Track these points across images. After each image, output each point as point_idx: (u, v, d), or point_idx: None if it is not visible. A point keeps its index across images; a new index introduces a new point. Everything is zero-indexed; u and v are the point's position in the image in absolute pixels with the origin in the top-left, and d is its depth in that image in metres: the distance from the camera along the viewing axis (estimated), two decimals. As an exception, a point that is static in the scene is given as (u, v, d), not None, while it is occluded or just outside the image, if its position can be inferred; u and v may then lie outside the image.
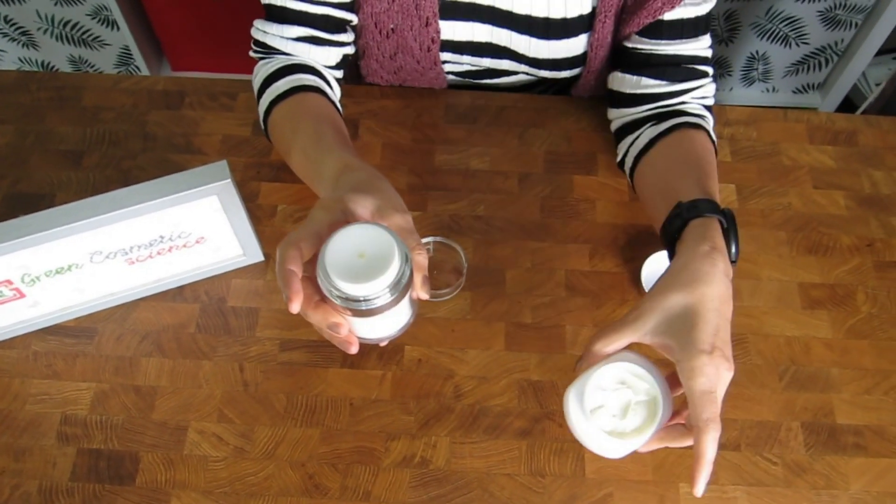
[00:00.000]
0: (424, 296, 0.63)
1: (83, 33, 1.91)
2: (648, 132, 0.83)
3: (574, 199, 0.90)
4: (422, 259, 0.62)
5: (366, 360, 0.79)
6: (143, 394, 0.77)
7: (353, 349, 0.63)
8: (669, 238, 0.72)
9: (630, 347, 0.66)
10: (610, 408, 0.64)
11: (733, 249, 0.69)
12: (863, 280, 0.86)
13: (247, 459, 0.74)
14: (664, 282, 0.66)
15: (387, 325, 0.64)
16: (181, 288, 0.83)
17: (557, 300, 0.83)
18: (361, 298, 0.57)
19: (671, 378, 0.66)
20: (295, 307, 0.58)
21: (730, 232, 0.70)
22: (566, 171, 0.92)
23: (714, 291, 0.64)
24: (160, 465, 0.73)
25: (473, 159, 0.92)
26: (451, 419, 0.76)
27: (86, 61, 2.01)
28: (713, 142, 0.82)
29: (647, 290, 0.81)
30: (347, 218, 0.62)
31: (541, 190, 0.90)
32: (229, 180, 0.71)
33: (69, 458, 0.74)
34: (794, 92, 2.08)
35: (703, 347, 0.61)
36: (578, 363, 0.67)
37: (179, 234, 0.76)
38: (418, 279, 0.62)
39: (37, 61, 2.02)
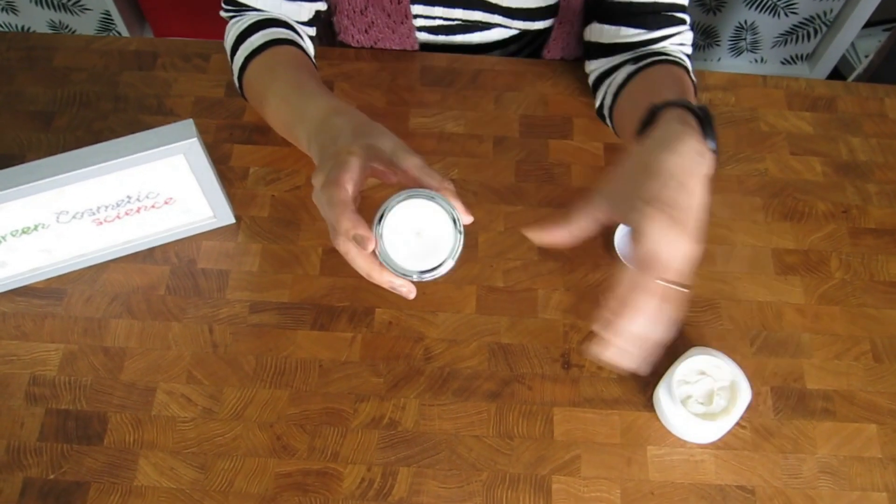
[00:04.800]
0: (469, 218, 0.59)
1: (63, -3, 1.88)
2: (626, 69, 0.81)
3: (549, 164, 0.89)
4: (452, 188, 0.59)
5: (336, 322, 0.78)
6: (112, 355, 0.76)
7: (412, 294, 0.60)
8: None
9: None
10: (696, 396, 0.72)
11: (710, 145, 0.62)
12: (837, 246, 0.86)
13: (215, 420, 0.74)
14: (627, 152, 0.61)
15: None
16: (151, 250, 0.82)
17: (529, 264, 0.82)
18: (426, 270, 0.58)
19: None
20: (371, 245, 0.55)
21: (705, 124, 0.62)
22: (541, 135, 0.91)
23: (674, 158, 0.56)
24: (128, 425, 0.73)
25: (449, 122, 0.91)
26: (421, 381, 0.76)
27: (66, 26, 1.98)
28: (693, 82, 0.79)
29: (619, 256, 0.80)
30: (372, 162, 0.59)
31: (516, 154, 0.89)
32: (195, 139, 0.70)
33: (37, 418, 0.73)
34: (782, 63, 2.07)
35: (643, 197, 0.54)
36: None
37: (147, 194, 0.75)
38: (460, 207, 0.58)
39: (16, 26, 1.99)
